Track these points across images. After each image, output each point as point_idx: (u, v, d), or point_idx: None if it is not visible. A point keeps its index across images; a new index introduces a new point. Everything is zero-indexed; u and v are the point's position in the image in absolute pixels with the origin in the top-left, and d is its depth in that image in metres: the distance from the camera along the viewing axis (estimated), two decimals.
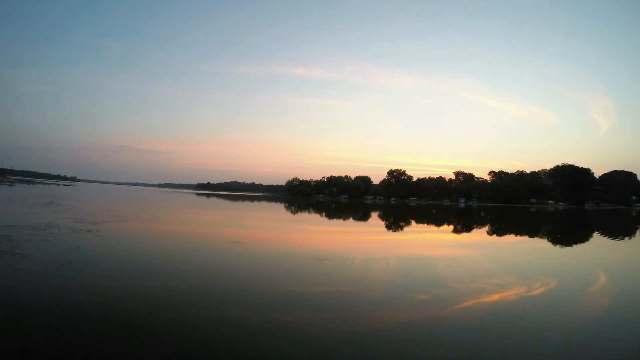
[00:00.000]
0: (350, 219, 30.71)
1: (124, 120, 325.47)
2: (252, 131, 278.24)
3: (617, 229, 29.02)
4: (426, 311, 5.44)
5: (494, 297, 6.27)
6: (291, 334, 4.34)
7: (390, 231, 21.03)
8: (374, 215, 37.49)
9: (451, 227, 25.20)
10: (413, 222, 28.77)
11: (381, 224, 26.91)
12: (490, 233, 21.50)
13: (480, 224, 28.76)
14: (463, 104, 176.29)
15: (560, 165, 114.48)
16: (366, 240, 15.88)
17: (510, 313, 5.51)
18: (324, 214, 35.77)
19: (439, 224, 28.16)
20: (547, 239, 19.30)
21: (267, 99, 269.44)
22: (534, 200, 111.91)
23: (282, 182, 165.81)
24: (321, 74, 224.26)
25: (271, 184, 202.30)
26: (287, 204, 55.12)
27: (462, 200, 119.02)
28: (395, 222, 28.59)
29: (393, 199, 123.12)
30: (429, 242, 16.31)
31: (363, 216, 34.97)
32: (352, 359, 3.81)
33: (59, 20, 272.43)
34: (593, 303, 6.55)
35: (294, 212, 36.44)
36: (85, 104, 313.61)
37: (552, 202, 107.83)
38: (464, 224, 28.09)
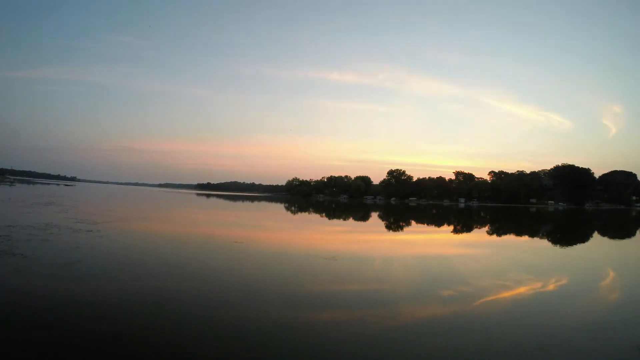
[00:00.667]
0: (355, 220, 30.69)
1: (124, 120, 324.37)
2: (263, 133, 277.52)
3: (619, 229, 29.03)
4: (453, 306, 5.66)
5: (514, 292, 6.59)
6: (325, 332, 4.42)
7: (398, 231, 21.01)
8: (377, 215, 37.48)
9: (457, 227, 25.19)
10: (419, 223, 28.77)
11: (387, 224, 26.90)
12: (495, 233, 21.59)
13: (484, 224, 28.76)
14: (487, 110, 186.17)
15: (560, 165, 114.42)
16: (375, 240, 15.92)
17: (528, 308, 5.79)
18: (325, 215, 35.75)
19: (443, 224, 28.18)
20: (554, 239, 19.48)
21: (294, 102, 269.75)
22: (533, 200, 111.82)
23: (282, 182, 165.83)
24: (354, 79, 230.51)
25: (271, 184, 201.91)
26: (287, 204, 55.12)
27: (462, 200, 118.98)
28: (400, 222, 28.57)
29: (393, 199, 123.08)
30: (439, 242, 16.48)
31: (366, 217, 34.96)
32: (390, 353, 3.88)
33: (62, 19, 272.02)
34: (599, 300, 6.69)
35: (294, 213, 36.43)
36: (86, 103, 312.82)
37: (552, 202, 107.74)
38: (468, 224, 28.08)
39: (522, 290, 6.82)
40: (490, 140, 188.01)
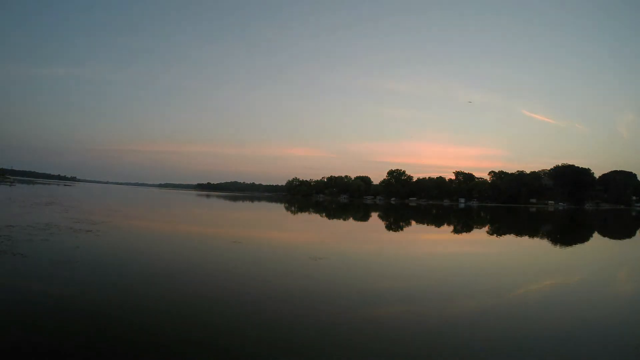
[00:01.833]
0: (359, 221, 30.65)
1: (124, 121, 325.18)
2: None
3: (621, 229, 29.10)
4: (494, 298, 6.43)
5: (543, 285, 7.63)
6: (390, 326, 4.68)
7: (408, 232, 20.99)
8: (378, 216, 37.45)
9: (464, 228, 25.20)
10: (429, 224, 28.79)
11: (396, 225, 26.88)
12: (502, 234, 21.85)
13: (488, 225, 28.75)
14: (520, 117, 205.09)
15: (560, 165, 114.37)
16: (387, 240, 15.92)
17: (555, 298, 6.70)
18: (336, 216, 35.72)
19: (451, 224, 28.20)
20: (561, 239, 20.02)
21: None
22: (533, 200, 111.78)
23: (282, 182, 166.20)
24: (408, 88, 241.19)
25: (271, 184, 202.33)
26: (287, 204, 55.11)
27: (462, 200, 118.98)
28: (406, 223, 28.55)
29: (393, 199, 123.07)
30: (457, 241, 16.86)
31: (370, 218, 34.92)
32: (449, 341, 4.25)
33: (63, 17, 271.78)
34: (607, 297, 7.03)
35: (294, 213, 36.41)
36: (86, 104, 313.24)
37: (552, 202, 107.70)
38: (470, 225, 28.07)
39: (546, 284, 7.74)
40: (521, 144, 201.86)
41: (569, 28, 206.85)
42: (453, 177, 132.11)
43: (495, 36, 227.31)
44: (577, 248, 16.03)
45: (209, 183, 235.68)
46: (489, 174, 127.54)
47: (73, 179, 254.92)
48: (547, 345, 4.21)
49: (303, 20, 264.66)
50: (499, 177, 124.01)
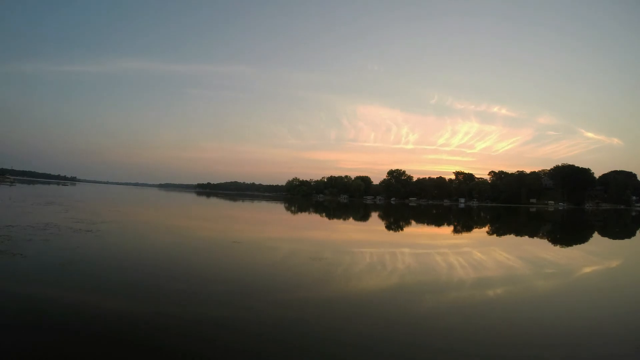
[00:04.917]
0: (365, 220, 30.63)
1: (124, 120, 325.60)
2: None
3: (624, 229, 29.19)
4: (556, 279, 8.03)
5: (592, 269, 9.55)
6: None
7: (411, 230, 21.02)
8: (389, 216, 37.45)
9: (468, 227, 25.25)
10: (429, 223, 28.80)
11: (401, 224, 26.90)
12: (510, 233, 21.79)
13: (488, 224, 28.79)
14: (575, 135, 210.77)
15: (560, 165, 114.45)
16: (394, 239, 15.88)
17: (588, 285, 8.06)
18: (327, 215, 35.70)
19: (453, 224, 28.22)
20: (577, 236, 20.13)
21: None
22: (533, 200, 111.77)
23: (282, 182, 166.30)
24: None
25: (271, 184, 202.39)
26: (287, 204, 55.10)
27: (462, 200, 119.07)
28: (410, 222, 28.57)
29: (393, 199, 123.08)
30: (458, 239, 17.26)
31: (394, 219, 34.92)
32: (529, 316, 5.20)
33: (62, 16, 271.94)
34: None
35: (294, 213, 36.40)
36: (86, 103, 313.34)
37: (552, 202, 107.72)
38: (479, 225, 28.12)
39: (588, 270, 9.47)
40: (571, 157, 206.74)
41: (563, 27, 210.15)
42: (453, 177, 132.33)
43: (493, 37, 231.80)
44: (579, 245, 16.14)
45: (209, 183, 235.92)
46: (489, 174, 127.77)
47: (73, 179, 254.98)
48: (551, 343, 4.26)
49: (304, 23, 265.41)
50: (499, 177, 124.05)
